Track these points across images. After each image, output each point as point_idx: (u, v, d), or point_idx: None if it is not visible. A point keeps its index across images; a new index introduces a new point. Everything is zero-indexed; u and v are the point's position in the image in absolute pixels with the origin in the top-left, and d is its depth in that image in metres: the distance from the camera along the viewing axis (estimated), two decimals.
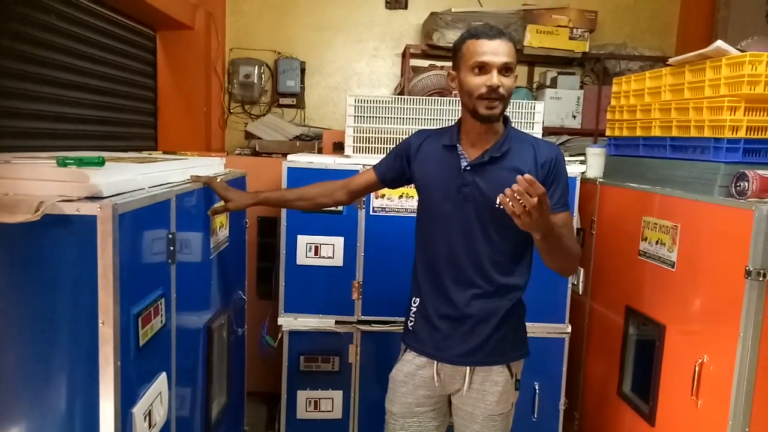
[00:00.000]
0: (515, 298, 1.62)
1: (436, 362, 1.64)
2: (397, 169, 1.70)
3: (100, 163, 1.20)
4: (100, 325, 1.06)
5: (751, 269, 1.56)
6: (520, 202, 1.25)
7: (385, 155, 1.78)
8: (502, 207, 1.33)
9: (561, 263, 1.54)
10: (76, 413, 1.09)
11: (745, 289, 1.59)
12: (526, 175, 1.24)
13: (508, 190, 1.26)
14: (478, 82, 1.46)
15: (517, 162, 1.53)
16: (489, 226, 1.54)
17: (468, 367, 1.62)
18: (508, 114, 1.61)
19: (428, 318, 1.63)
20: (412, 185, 1.72)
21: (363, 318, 2.36)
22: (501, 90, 1.45)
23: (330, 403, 2.39)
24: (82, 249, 1.05)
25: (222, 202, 1.75)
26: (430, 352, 1.64)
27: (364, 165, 2.22)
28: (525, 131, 2.33)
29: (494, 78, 1.44)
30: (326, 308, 2.36)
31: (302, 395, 2.38)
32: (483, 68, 1.46)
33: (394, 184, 1.77)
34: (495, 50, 1.45)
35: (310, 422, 2.39)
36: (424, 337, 1.65)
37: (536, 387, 2.38)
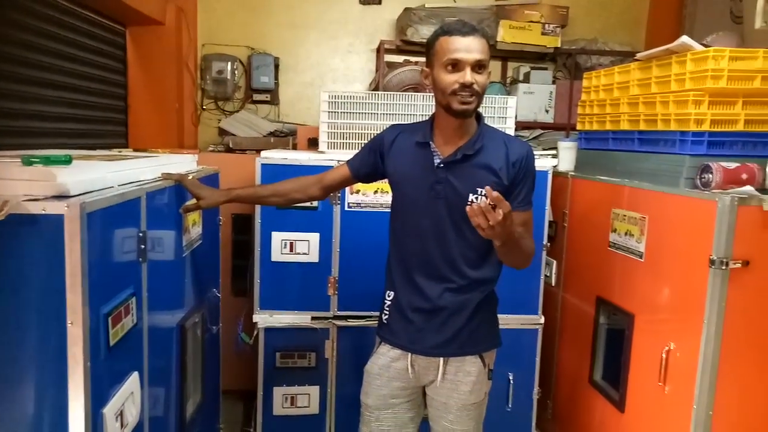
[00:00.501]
0: (487, 290, 1.66)
1: (410, 354, 1.66)
2: (370, 164, 1.71)
3: (67, 161, 1.18)
4: (69, 325, 1.04)
5: (715, 258, 1.61)
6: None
7: (358, 150, 1.78)
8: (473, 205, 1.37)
9: (515, 262, 1.59)
10: (45, 414, 1.08)
11: (708, 278, 1.64)
12: (495, 193, 1.27)
13: (475, 205, 1.29)
14: (452, 80, 1.46)
15: (489, 159, 1.55)
16: (461, 223, 1.55)
17: (441, 358, 1.65)
18: (480, 111, 1.63)
19: (402, 311, 1.66)
20: (386, 180, 1.73)
21: (339, 313, 2.36)
22: (475, 87, 1.46)
23: (307, 399, 2.39)
24: (50, 249, 1.04)
25: (194, 200, 1.74)
26: (404, 344, 1.67)
27: (338, 161, 2.20)
28: (497, 126, 2.37)
29: (467, 75, 1.45)
30: (302, 304, 2.36)
31: (278, 392, 2.37)
32: (456, 65, 1.46)
33: (368, 179, 1.78)
34: (468, 47, 1.45)
35: (286, 418, 2.39)
36: (398, 329, 1.67)
37: (510, 377, 2.42)
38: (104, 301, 1.15)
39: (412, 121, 1.86)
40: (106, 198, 1.15)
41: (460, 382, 1.65)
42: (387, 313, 1.71)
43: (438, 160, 1.57)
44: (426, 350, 1.64)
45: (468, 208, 1.30)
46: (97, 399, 1.12)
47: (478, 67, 1.47)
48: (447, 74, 1.47)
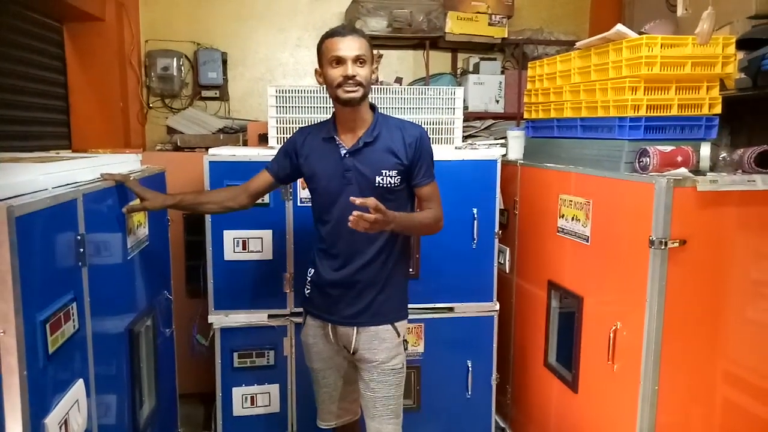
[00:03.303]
0: (397, 263, 1.84)
1: (329, 324, 1.86)
2: (288, 166, 1.88)
3: None
4: (1, 334, 1.00)
5: (654, 238, 1.67)
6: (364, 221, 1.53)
7: (275, 155, 1.92)
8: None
9: (421, 234, 1.99)
10: None
11: (649, 258, 1.70)
12: (357, 199, 1.52)
13: (352, 218, 1.52)
14: (336, 74, 1.67)
15: (388, 143, 1.76)
16: None
17: (355, 327, 1.82)
18: (374, 102, 1.85)
19: (321, 286, 1.85)
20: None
21: (296, 310, 2.34)
22: (357, 78, 1.66)
23: (267, 398, 2.37)
24: None
25: (138, 201, 1.69)
26: (323, 315, 1.87)
27: None
28: (446, 117, 2.40)
29: (349, 69, 1.66)
30: (258, 303, 2.33)
31: (237, 392, 2.35)
32: (339, 61, 1.67)
33: (288, 180, 1.97)
34: (348, 45, 1.67)
35: (247, 418, 2.37)
36: (318, 303, 1.88)
37: (469, 365, 2.46)
38: (40, 308, 1.11)
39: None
40: (37, 201, 1.11)
41: (377, 349, 1.82)
42: (308, 288, 1.91)
43: (344, 151, 1.76)
44: (341, 320, 1.83)
45: (350, 223, 1.53)
46: (37, 409, 1.08)
47: (359, 61, 1.67)
48: (332, 70, 1.68)
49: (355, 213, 1.52)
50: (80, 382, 1.29)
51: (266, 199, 2.25)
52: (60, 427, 1.16)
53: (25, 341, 1.04)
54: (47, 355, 1.13)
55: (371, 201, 1.53)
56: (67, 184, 1.36)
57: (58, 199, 1.21)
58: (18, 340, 1.01)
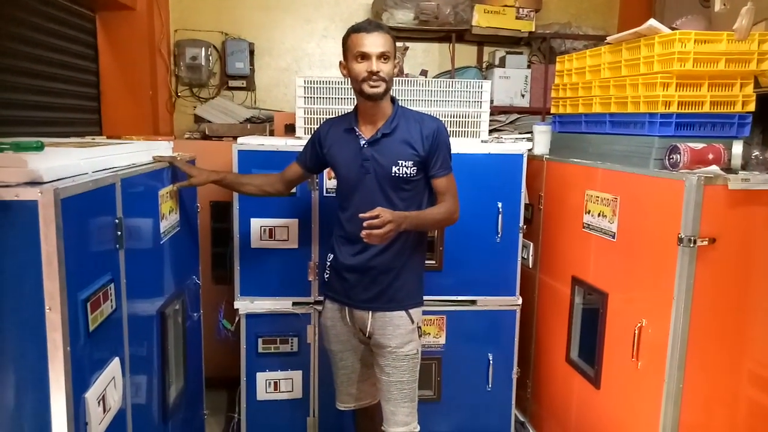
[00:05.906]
0: (413, 251, 1.88)
1: (346, 307, 1.93)
2: (314, 156, 1.97)
3: (39, 147, 1.17)
4: (47, 311, 1.04)
5: (683, 236, 1.66)
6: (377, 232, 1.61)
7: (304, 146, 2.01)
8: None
9: (433, 228, 2.07)
10: (27, 401, 1.08)
11: (677, 256, 1.69)
12: (365, 215, 1.62)
13: (364, 233, 1.62)
14: (361, 69, 1.73)
15: (405, 135, 1.80)
16: (388, 191, 1.81)
17: (370, 312, 1.88)
18: (395, 95, 1.89)
19: (338, 271, 1.92)
20: None
21: (320, 298, 2.36)
22: (381, 73, 1.72)
23: (290, 384, 2.41)
24: (24, 235, 1.03)
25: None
26: (341, 299, 1.94)
27: None
28: (473, 110, 2.40)
29: (373, 64, 1.71)
30: (283, 290, 2.37)
31: (261, 377, 2.39)
32: (364, 57, 1.72)
33: (317, 170, 2.04)
34: (373, 42, 1.71)
35: (270, 403, 2.41)
36: (336, 287, 1.95)
37: (490, 358, 2.47)
38: (82, 287, 1.16)
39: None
40: (80, 184, 1.15)
41: (391, 335, 1.87)
42: (328, 273, 1.99)
43: (363, 142, 1.82)
44: (357, 304, 1.90)
45: (364, 239, 1.63)
46: (78, 384, 1.12)
47: (383, 57, 1.72)
48: (357, 64, 1.74)
49: (364, 233, 1.62)
50: (116, 360, 1.33)
51: (281, 195, 2.28)
52: (98, 402, 1.20)
53: (69, 318, 1.08)
54: (88, 332, 1.17)
55: (376, 211, 1.62)
56: (105, 169, 1.40)
57: (98, 183, 1.24)
58: (62, 317, 1.06)
